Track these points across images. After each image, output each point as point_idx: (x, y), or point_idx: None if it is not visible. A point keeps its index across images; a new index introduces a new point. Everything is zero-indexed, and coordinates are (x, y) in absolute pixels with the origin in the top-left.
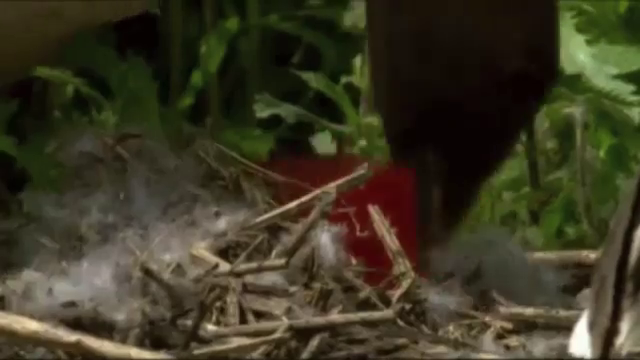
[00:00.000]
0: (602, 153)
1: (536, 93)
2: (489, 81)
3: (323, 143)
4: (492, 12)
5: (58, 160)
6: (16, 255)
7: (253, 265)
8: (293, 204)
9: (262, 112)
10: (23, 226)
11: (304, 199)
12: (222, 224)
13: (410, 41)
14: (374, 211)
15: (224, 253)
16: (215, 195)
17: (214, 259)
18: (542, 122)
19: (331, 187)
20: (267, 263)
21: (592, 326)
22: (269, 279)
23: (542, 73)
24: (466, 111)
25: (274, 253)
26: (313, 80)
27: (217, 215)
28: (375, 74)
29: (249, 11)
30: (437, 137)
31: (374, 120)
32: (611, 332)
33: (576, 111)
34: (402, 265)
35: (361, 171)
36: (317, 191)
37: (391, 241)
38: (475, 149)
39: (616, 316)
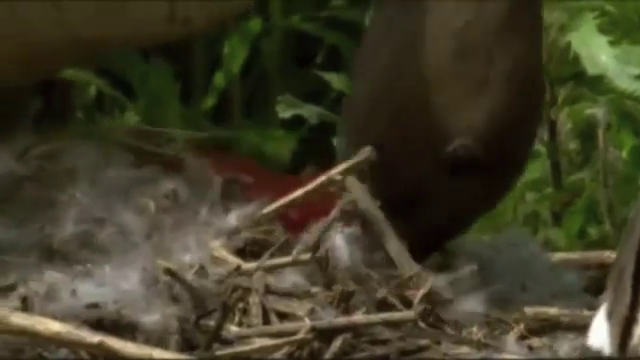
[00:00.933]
0: (624, 154)
1: (485, 179)
2: (436, 160)
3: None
4: (450, 90)
5: None
6: None
7: (277, 261)
8: (299, 192)
9: (284, 113)
10: None
11: (310, 187)
12: (233, 219)
13: (367, 104)
14: None
15: (241, 251)
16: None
17: (235, 260)
18: (564, 123)
19: (336, 173)
20: (291, 259)
21: (610, 315)
22: (290, 280)
23: (494, 160)
24: (407, 185)
25: (295, 251)
26: (335, 81)
27: (226, 211)
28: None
29: (272, 12)
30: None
31: None
32: (629, 321)
33: (598, 112)
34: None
35: (366, 154)
36: (322, 177)
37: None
38: (418, 224)
39: (634, 305)
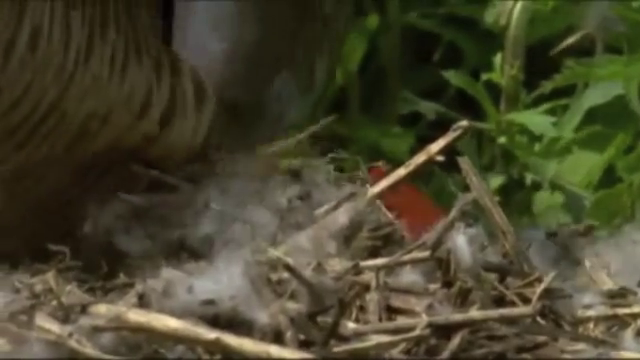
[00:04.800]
0: None
1: None
2: None
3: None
4: None
5: None
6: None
7: (396, 257)
8: (401, 172)
9: (402, 109)
10: None
11: (411, 167)
12: (343, 217)
13: None
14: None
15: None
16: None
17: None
18: None
19: (435, 150)
20: (410, 256)
21: None
22: (408, 278)
23: None
24: None
25: (414, 250)
26: (454, 77)
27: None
28: None
29: (389, 9)
30: None
31: (514, 117)
32: None
33: None
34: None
35: (461, 128)
36: (422, 155)
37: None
38: None
39: None
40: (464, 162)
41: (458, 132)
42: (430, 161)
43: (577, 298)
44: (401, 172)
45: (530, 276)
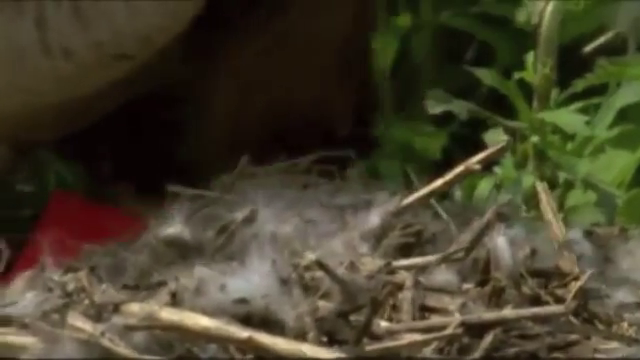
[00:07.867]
0: None
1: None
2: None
3: (496, 139)
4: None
5: None
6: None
7: (431, 258)
8: (439, 182)
9: (434, 108)
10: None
11: (448, 177)
12: (375, 218)
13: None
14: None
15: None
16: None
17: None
18: None
19: (473, 162)
20: (445, 256)
21: None
22: (442, 277)
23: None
24: None
25: (450, 249)
26: (486, 76)
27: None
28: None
29: (422, 8)
30: None
31: (547, 116)
32: None
33: None
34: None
35: (501, 144)
36: (460, 167)
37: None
38: None
39: None
40: (540, 186)
41: (497, 147)
42: (468, 173)
43: (612, 297)
44: (438, 183)
45: (568, 276)
